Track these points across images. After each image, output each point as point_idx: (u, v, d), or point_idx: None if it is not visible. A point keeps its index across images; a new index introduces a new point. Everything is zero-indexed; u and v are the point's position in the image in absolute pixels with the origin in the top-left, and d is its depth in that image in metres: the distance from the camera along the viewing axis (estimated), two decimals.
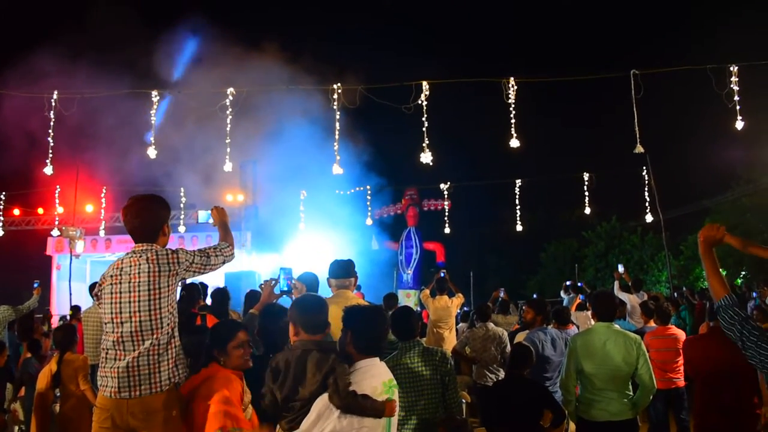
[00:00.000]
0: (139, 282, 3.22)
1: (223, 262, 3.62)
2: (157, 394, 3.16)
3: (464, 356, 7.24)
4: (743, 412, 4.12)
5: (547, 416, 4.65)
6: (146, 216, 3.40)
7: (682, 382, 6.26)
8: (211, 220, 4.06)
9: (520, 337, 6.38)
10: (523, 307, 8.53)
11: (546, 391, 4.96)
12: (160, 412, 3.15)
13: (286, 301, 4.59)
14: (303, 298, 3.29)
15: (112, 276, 3.26)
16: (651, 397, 4.55)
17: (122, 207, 3.49)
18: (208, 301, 8.38)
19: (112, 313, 3.21)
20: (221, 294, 6.44)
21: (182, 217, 19.24)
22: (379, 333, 3.05)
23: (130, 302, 3.20)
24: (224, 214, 3.97)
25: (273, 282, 4.41)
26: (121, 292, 3.21)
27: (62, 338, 5.71)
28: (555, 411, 4.68)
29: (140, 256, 3.28)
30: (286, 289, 4.49)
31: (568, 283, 14.23)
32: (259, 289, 4.86)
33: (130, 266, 3.26)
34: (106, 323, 3.23)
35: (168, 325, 3.28)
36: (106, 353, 3.21)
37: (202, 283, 7.60)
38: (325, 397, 2.81)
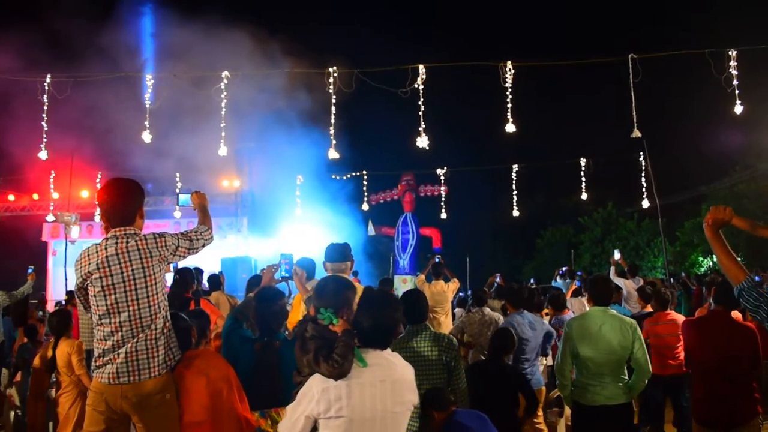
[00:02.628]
0: (133, 269, 3.19)
1: (203, 245, 3.62)
2: (154, 379, 3.16)
3: (460, 341, 7.26)
4: (741, 398, 4.11)
5: (521, 404, 4.67)
6: (128, 197, 3.37)
7: (681, 368, 6.24)
8: (191, 204, 4.06)
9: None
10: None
11: (522, 378, 4.97)
12: (154, 395, 3.16)
13: (283, 287, 4.60)
14: (322, 280, 3.09)
15: (99, 268, 3.17)
16: (646, 382, 4.56)
17: (100, 188, 3.45)
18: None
19: (107, 304, 3.16)
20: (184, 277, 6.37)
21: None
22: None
23: (126, 291, 3.17)
24: (203, 198, 3.99)
25: (274, 268, 4.42)
26: (114, 284, 3.16)
27: (57, 323, 5.69)
28: (529, 398, 4.70)
29: (127, 242, 3.23)
30: (286, 274, 4.52)
31: (564, 269, 14.26)
32: (259, 274, 4.85)
33: (118, 254, 3.20)
34: (100, 315, 3.18)
35: (164, 309, 3.30)
36: (104, 342, 3.18)
37: (197, 268, 7.59)
38: (309, 381, 2.69)
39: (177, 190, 18.76)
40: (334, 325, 2.66)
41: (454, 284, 9.03)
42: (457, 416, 3.81)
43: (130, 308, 3.16)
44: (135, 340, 3.15)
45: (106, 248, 3.22)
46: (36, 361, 5.63)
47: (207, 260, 12.39)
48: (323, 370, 2.54)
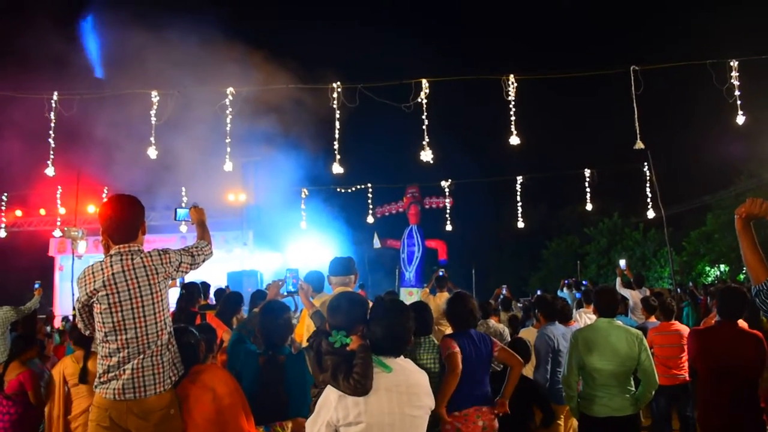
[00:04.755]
0: (140, 286, 3.21)
1: (204, 260, 3.65)
2: (159, 394, 3.18)
3: None
4: (746, 408, 4.10)
5: (537, 415, 4.65)
6: (130, 213, 3.37)
7: (686, 378, 6.24)
8: (189, 219, 4.09)
9: (525, 333, 6.41)
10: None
11: (537, 389, 4.96)
12: (158, 411, 3.17)
13: (289, 301, 4.62)
14: (335, 299, 3.02)
15: (105, 285, 3.18)
16: (653, 393, 4.55)
17: (102, 204, 3.47)
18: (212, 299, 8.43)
19: (113, 322, 3.17)
20: (231, 300, 6.32)
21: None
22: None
23: (133, 309, 3.18)
24: (202, 213, 4.01)
25: (280, 282, 4.45)
26: (121, 301, 3.17)
27: (80, 336, 5.61)
28: (545, 410, 4.67)
29: (132, 259, 3.25)
30: (292, 289, 4.53)
31: (569, 279, 14.22)
32: (263, 289, 4.86)
33: (124, 271, 3.21)
34: (106, 332, 3.18)
35: (169, 325, 3.33)
36: (109, 359, 3.18)
37: (204, 282, 7.62)
38: (326, 391, 2.73)
39: (183, 205, 18.86)
40: (348, 344, 2.69)
41: None
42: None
43: (137, 325, 3.17)
44: (141, 356, 3.17)
45: (111, 265, 3.23)
46: (55, 375, 5.51)
47: (213, 274, 12.42)
48: (343, 388, 2.58)
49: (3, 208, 20.39)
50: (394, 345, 2.78)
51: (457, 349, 4.03)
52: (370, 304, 3.03)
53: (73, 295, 13.67)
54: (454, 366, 3.97)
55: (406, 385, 2.71)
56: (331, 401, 2.62)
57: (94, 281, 3.21)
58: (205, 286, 7.71)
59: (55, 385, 5.31)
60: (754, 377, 4.15)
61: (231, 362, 3.96)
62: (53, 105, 10.57)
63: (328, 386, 2.67)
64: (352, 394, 2.57)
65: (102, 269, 3.23)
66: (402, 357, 2.82)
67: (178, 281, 6.30)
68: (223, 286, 9.78)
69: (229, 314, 5.93)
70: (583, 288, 11.70)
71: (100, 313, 3.19)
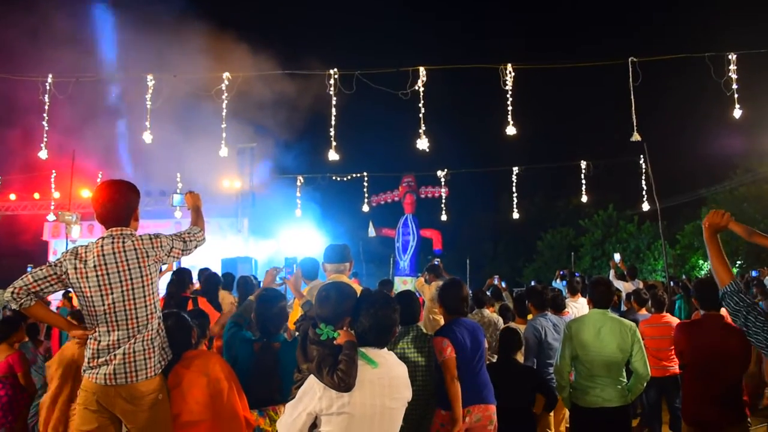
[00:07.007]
0: (130, 269, 3.18)
1: (196, 247, 3.63)
2: (148, 379, 3.17)
3: None
4: (731, 401, 4.11)
5: (539, 401, 4.66)
6: (122, 199, 3.34)
7: (676, 370, 6.27)
8: (185, 205, 4.10)
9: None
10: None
11: (537, 375, 4.98)
12: (147, 396, 3.17)
13: (283, 289, 4.64)
14: (324, 289, 2.92)
15: (95, 266, 3.15)
16: (645, 384, 4.56)
17: (95, 189, 3.43)
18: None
19: (103, 303, 3.15)
20: (211, 279, 6.43)
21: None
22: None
23: (123, 291, 3.16)
24: (198, 198, 3.98)
25: (275, 271, 4.48)
26: (111, 283, 3.15)
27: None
28: (547, 395, 4.69)
29: (124, 242, 3.23)
30: (286, 277, 4.56)
31: (564, 271, 14.24)
32: (251, 275, 4.86)
33: (114, 253, 3.19)
34: (96, 314, 3.16)
35: (158, 309, 3.31)
36: (97, 342, 3.16)
37: (208, 270, 7.54)
38: (311, 380, 2.72)
39: (178, 191, 18.80)
40: (335, 339, 2.69)
41: None
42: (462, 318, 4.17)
43: (127, 307, 3.15)
44: (132, 341, 3.15)
45: (102, 246, 3.20)
46: (67, 359, 5.45)
47: (208, 260, 12.41)
48: (326, 382, 2.59)
49: None
50: (379, 337, 2.79)
51: (450, 351, 3.95)
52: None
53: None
54: (453, 373, 3.90)
55: (388, 377, 2.73)
56: (315, 391, 2.62)
57: (86, 261, 3.18)
58: (215, 277, 7.58)
59: (52, 370, 5.28)
60: (739, 372, 4.16)
61: (227, 350, 3.97)
62: (48, 88, 10.50)
63: (312, 375, 2.67)
64: (334, 389, 2.58)
65: (93, 249, 3.21)
66: (385, 349, 2.83)
67: (174, 265, 6.31)
68: (212, 272, 9.72)
69: (212, 294, 6.02)
70: (576, 277, 11.74)
71: (91, 296, 3.16)
